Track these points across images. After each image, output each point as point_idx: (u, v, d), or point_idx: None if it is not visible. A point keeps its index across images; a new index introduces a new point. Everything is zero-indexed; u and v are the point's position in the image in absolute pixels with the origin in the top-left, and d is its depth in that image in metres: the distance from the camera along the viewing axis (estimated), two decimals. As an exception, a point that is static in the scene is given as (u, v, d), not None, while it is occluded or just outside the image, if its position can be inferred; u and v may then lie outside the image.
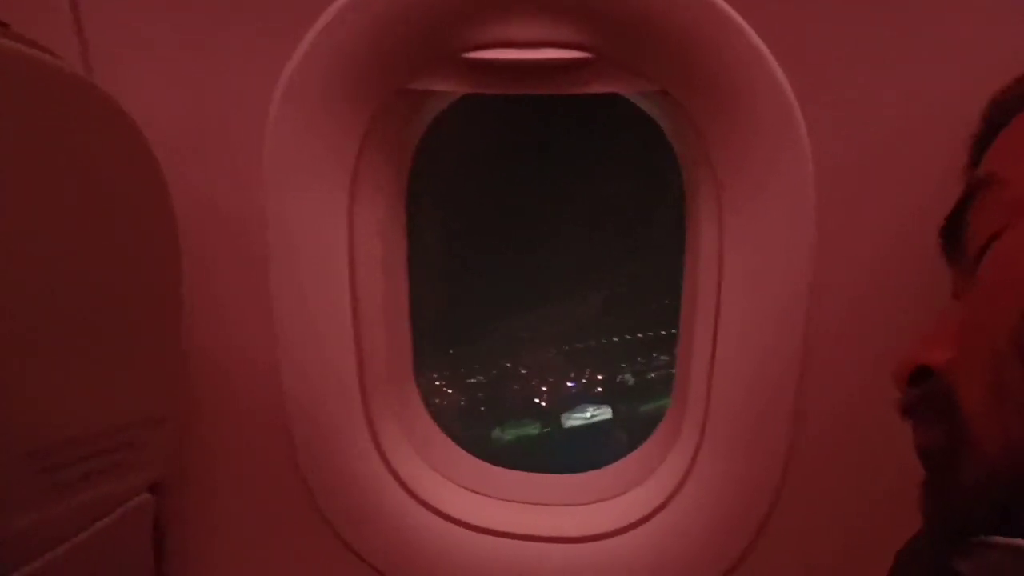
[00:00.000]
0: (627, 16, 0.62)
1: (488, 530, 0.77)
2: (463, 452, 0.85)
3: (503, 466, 0.86)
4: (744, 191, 0.65)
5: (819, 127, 0.62)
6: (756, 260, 0.66)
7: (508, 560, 0.76)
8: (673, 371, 0.83)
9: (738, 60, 0.61)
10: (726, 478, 0.71)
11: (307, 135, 0.67)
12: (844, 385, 0.67)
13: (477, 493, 0.82)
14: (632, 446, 0.85)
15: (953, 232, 0.48)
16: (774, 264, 0.65)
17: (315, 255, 0.71)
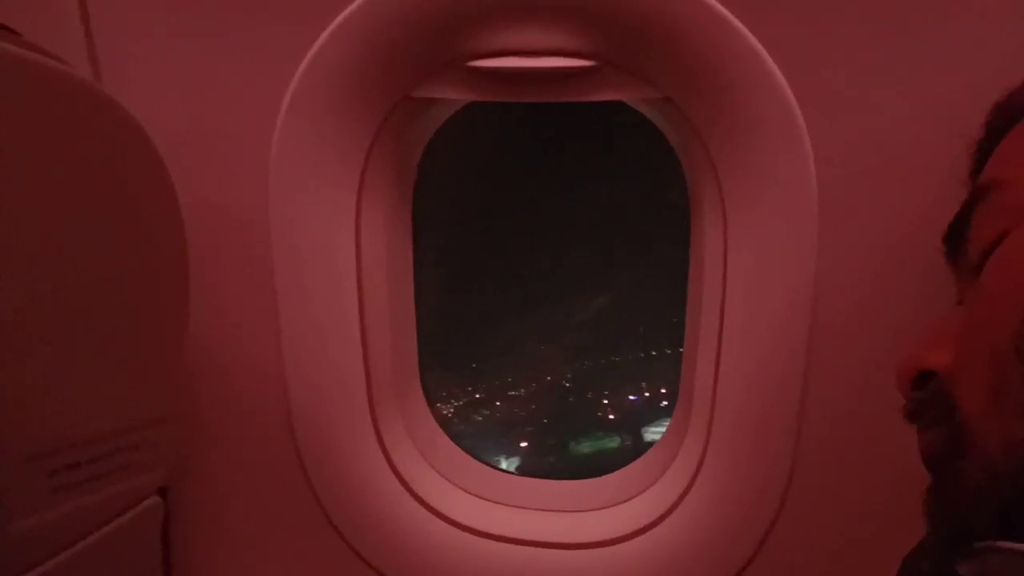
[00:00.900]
0: (631, 24, 0.62)
1: (494, 535, 0.77)
2: (468, 457, 0.85)
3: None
4: (747, 197, 0.65)
5: (821, 132, 0.62)
6: (760, 264, 0.66)
7: (513, 565, 0.76)
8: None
9: (740, 66, 0.61)
10: (731, 483, 0.70)
11: (314, 142, 0.68)
12: (848, 389, 0.67)
13: (483, 498, 0.82)
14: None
15: (956, 237, 0.48)
16: (778, 268, 0.65)
17: (322, 260, 0.71)
